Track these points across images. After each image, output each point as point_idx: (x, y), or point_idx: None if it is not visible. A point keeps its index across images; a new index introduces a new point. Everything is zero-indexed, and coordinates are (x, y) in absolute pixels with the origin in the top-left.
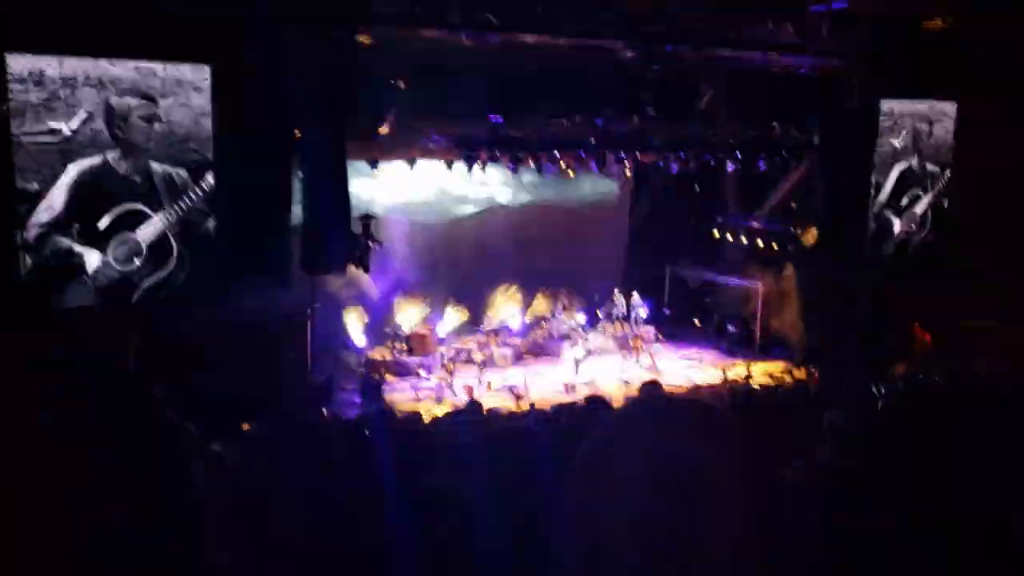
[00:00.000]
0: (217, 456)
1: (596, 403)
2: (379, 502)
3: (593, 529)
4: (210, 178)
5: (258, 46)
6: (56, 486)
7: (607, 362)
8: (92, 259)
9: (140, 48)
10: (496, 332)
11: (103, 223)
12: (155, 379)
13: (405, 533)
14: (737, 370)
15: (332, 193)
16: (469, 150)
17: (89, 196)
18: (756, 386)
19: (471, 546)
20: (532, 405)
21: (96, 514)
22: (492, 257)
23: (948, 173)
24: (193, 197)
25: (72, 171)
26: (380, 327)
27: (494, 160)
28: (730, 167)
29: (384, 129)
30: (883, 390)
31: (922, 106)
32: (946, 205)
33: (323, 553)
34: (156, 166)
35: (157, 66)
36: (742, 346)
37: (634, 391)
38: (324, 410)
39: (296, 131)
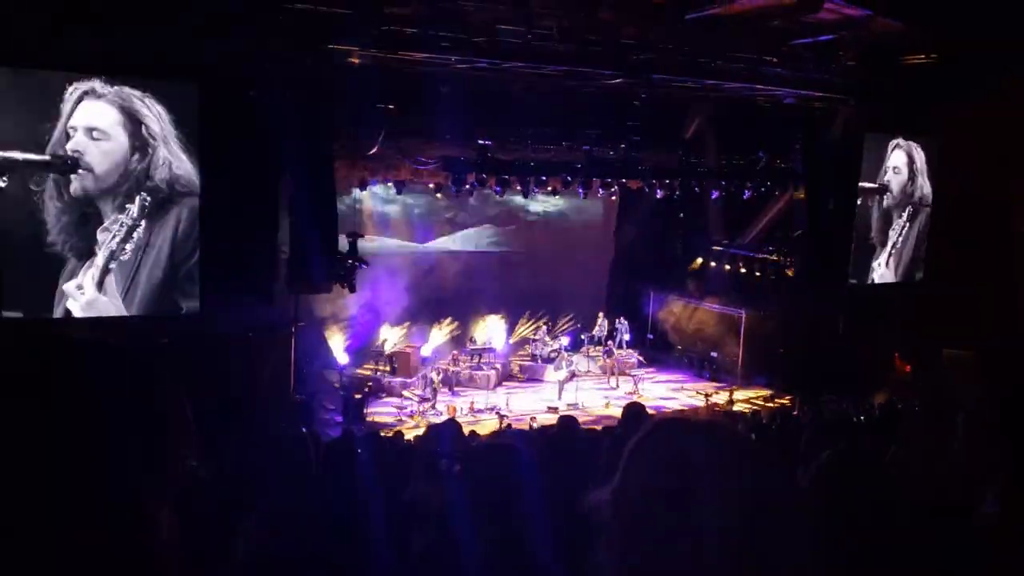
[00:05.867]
0: (193, 470)
1: (568, 423)
2: (358, 516)
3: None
4: (197, 195)
5: (245, 64)
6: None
7: (590, 385)
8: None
9: (127, 66)
10: (480, 353)
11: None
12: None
13: (384, 546)
14: (719, 396)
15: (318, 212)
16: (457, 172)
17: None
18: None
19: (449, 556)
20: (508, 425)
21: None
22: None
23: (930, 205)
24: (180, 213)
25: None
26: (364, 346)
27: (481, 183)
28: (714, 195)
29: (372, 150)
30: (863, 418)
31: (904, 140)
32: (927, 236)
33: (300, 566)
34: (143, 183)
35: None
36: (724, 372)
37: (617, 413)
38: (304, 427)
39: (283, 149)
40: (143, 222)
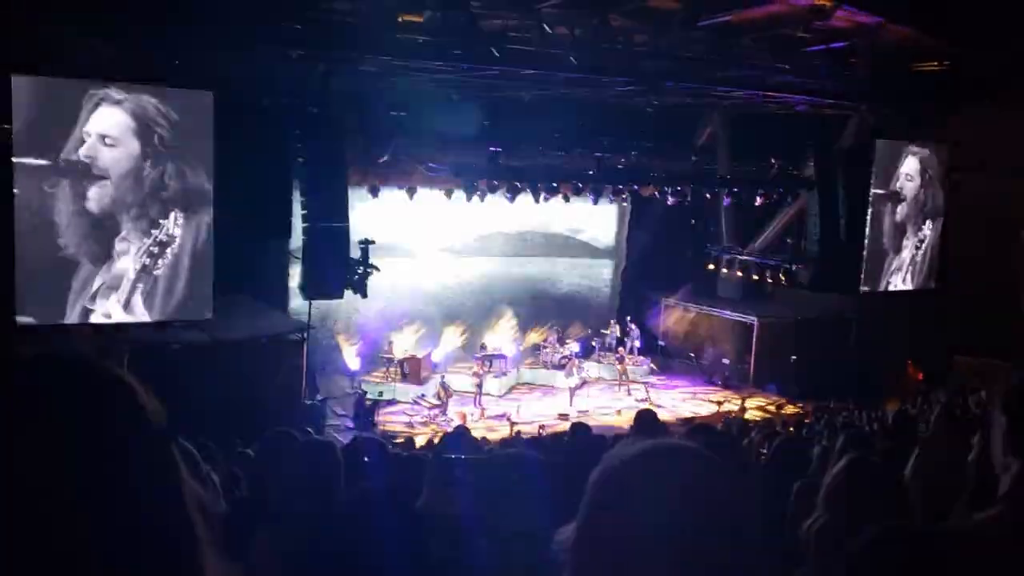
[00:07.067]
0: (207, 475)
1: (580, 430)
2: (371, 524)
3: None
4: (210, 202)
5: (259, 72)
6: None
7: (601, 392)
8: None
9: (143, 74)
10: (491, 360)
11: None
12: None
13: (396, 555)
14: (731, 403)
15: (331, 218)
16: (468, 179)
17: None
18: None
19: (464, 562)
20: (518, 432)
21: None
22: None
23: (942, 212)
24: (200, 223)
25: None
26: (375, 352)
27: (493, 189)
28: (726, 201)
29: (384, 156)
30: (875, 426)
31: (917, 147)
32: (939, 243)
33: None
34: (157, 191)
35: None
36: (736, 380)
37: (628, 420)
38: (315, 433)
39: (296, 156)
40: (177, 238)
